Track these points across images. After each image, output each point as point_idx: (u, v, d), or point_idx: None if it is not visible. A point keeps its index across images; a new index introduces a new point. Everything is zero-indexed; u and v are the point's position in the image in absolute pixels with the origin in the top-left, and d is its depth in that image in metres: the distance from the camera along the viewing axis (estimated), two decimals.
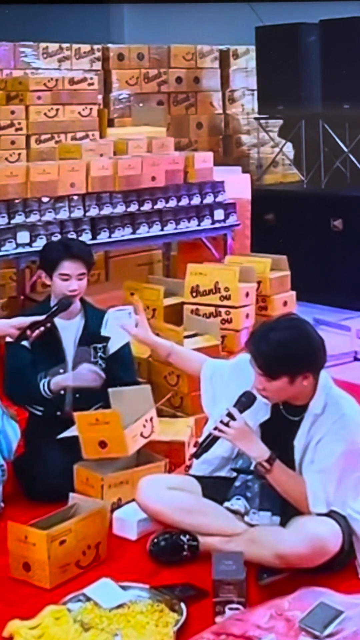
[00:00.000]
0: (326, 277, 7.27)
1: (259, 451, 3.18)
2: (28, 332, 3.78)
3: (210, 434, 3.23)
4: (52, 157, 6.40)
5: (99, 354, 4.02)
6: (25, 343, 3.87)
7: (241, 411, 3.20)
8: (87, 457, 3.70)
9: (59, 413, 3.98)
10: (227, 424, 3.17)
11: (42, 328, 3.80)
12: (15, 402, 4.05)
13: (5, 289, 6.05)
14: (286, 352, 3.13)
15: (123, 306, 3.95)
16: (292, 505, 3.20)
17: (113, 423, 3.63)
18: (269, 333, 3.19)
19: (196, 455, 3.32)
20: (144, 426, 3.77)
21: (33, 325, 3.79)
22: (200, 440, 3.34)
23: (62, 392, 3.96)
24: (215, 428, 3.20)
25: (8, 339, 3.92)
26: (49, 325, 3.84)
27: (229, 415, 3.18)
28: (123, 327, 3.80)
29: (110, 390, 3.82)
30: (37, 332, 3.78)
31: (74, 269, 3.96)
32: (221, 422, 3.18)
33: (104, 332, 3.94)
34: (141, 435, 3.75)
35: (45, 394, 3.87)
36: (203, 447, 3.25)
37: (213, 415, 3.45)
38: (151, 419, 3.81)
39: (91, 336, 4.01)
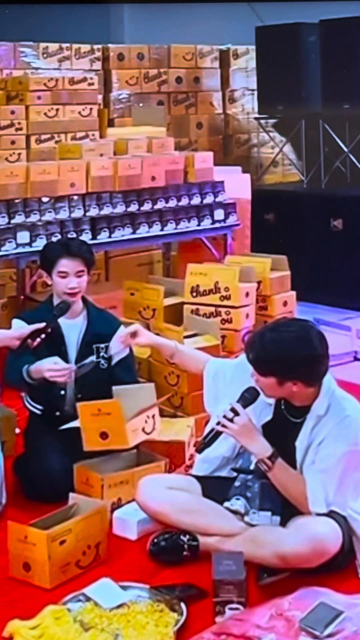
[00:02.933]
0: (326, 277, 7.27)
1: (261, 448, 3.18)
2: (29, 341, 3.75)
3: (213, 429, 3.24)
4: (52, 157, 6.40)
5: (102, 354, 4.02)
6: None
7: (244, 407, 3.21)
8: (88, 448, 3.70)
9: (58, 413, 3.98)
10: (231, 420, 3.17)
11: (42, 335, 3.78)
12: (8, 384, 4.05)
13: (5, 289, 6.05)
14: (277, 354, 3.12)
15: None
16: (293, 504, 3.21)
17: (114, 413, 3.64)
18: (269, 331, 3.19)
19: (199, 450, 3.32)
20: (146, 422, 3.77)
21: (33, 334, 3.77)
22: (203, 436, 3.34)
23: (62, 392, 3.97)
24: (219, 423, 3.20)
25: None
26: (49, 331, 3.82)
27: (233, 410, 3.18)
28: (124, 342, 3.86)
29: (114, 388, 3.83)
30: (38, 340, 3.76)
31: (72, 266, 3.96)
32: (225, 417, 3.18)
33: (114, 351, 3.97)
34: (143, 430, 3.76)
35: (28, 379, 3.80)
36: (206, 443, 3.26)
37: (215, 414, 3.46)
38: (153, 416, 3.81)
39: (93, 336, 4.01)
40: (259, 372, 3.16)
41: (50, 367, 3.75)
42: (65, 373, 3.77)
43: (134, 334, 3.84)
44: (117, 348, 3.97)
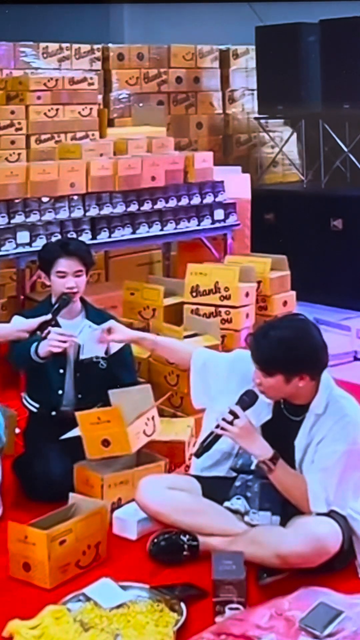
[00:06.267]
0: (326, 277, 7.27)
1: (262, 450, 3.18)
2: (38, 333, 3.78)
3: (212, 432, 3.23)
4: (52, 157, 6.40)
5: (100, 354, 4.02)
6: None
7: (244, 409, 3.20)
8: (91, 458, 3.69)
9: (54, 413, 3.98)
10: (230, 422, 3.17)
11: (49, 328, 3.80)
12: (15, 366, 4.08)
13: (5, 289, 6.05)
14: (284, 350, 3.13)
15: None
16: (293, 504, 3.21)
17: (115, 420, 3.63)
18: (271, 329, 3.20)
19: (197, 454, 3.31)
20: (146, 424, 3.77)
21: (41, 326, 3.79)
22: (201, 439, 3.34)
23: (60, 391, 3.97)
24: (218, 426, 3.19)
25: None
26: (54, 323, 3.84)
27: (232, 413, 3.18)
28: (99, 340, 3.82)
29: (110, 391, 3.81)
30: (45, 332, 3.78)
31: (70, 266, 3.96)
32: (224, 420, 3.18)
33: (83, 356, 3.93)
34: (144, 433, 3.76)
35: (36, 357, 3.81)
36: (205, 446, 3.25)
37: (203, 405, 3.49)
38: (153, 418, 3.81)
39: None
40: (266, 372, 3.16)
41: (53, 340, 3.75)
42: (66, 339, 3.77)
43: (109, 331, 3.81)
44: (92, 350, 3.92)
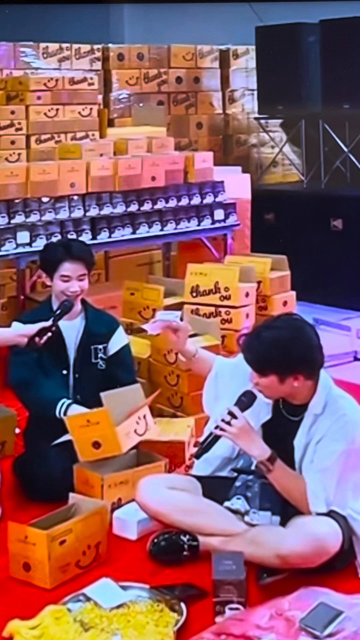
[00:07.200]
0: (326, 277, 7.27)
1: (260, 450, 3.18)
2: (36, 339, 3.76)
3: (211, 433, 3.23)
4: (52, 157, 6.40)
5: (100, 354, 4.02)
6: None
7: (242, 410, 3.20)
8: (83, 460, 3.69)
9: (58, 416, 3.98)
10: (228, 423, 3.17)
11: (49, 334, 3.79)
12: (26, 408, 4.08)
13: (5, 289, 6.05)
14: (275, 351, 3.13)
15: (173, 311, 3.92)
16: (293, 505, 3.21)
17: (103, 422, 3.63)
18: (264, 330, 3.19)
19: (197, 455, 3.31)
20: (137, 423, 3.76)
21: (40, 332, 3.77)
22: (201, 440, 3.34)
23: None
24: (217, 427, 3.20)
25: None
26: (54, 329, 3.83)
27: (230, 414, 3.18)
28: (168, 324, 3.75)
29: (102, 394, 3.80)
30: (45, 338, 3.77)
31: (74, 270, 3.95)
32: (223, 420, 3.18)
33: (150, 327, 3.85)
34: (135, 432, 3.75)
35: (59, 415, 3.82)
36: (204, 447, 3.25)
37: (213, 415, 3.46)
38: (144, 417, 3.80)
39: (91, 337, 4.01)
40: (260, 372, 3.16)
41: None
42: None
43: (175, 330, 3.76)
44: (153, 328, 3.86)
